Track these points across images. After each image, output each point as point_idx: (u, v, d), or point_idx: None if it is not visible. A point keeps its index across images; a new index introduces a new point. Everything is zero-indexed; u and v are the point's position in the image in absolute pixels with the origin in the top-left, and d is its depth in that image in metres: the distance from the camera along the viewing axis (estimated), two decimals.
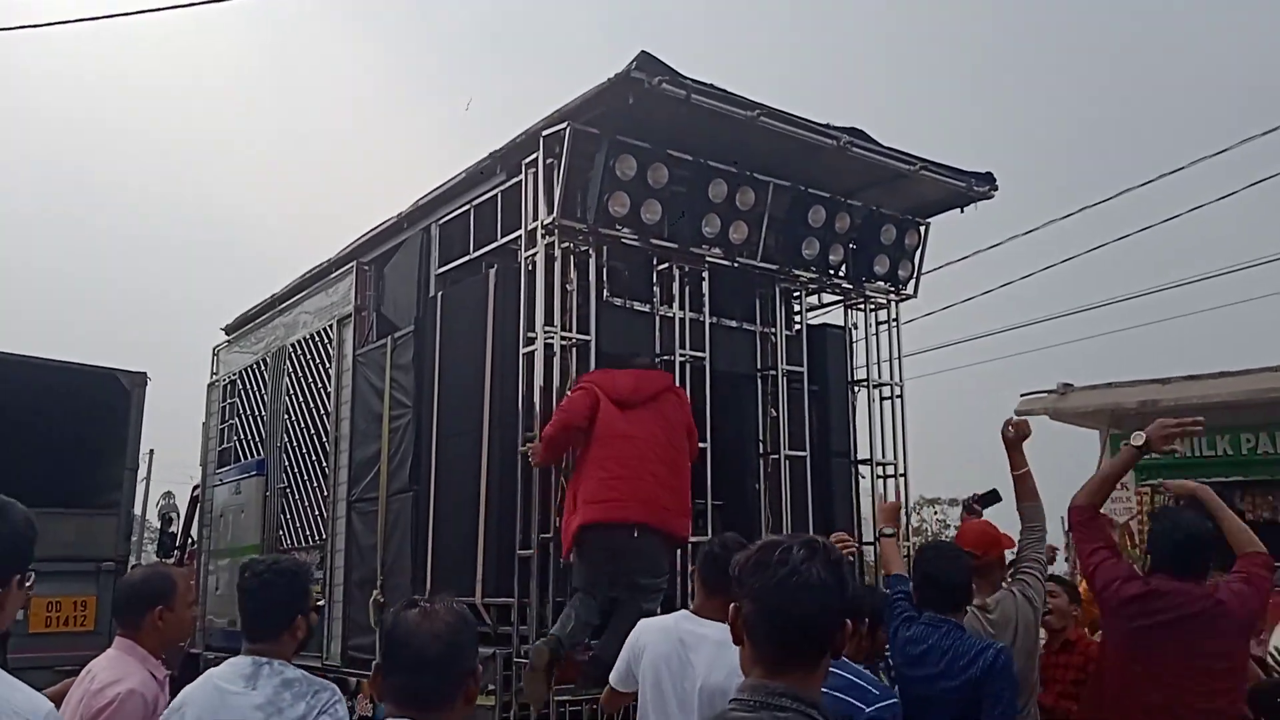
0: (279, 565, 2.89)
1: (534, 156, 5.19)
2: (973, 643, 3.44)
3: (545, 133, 5.11)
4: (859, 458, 6.38)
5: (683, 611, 3.35)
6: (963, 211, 6.22)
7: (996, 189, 6.06)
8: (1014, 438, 4.14)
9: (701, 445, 5.39)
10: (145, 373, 8.90)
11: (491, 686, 4.77)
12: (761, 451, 6.01)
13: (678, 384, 5.26)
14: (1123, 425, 11.93)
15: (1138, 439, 3.77)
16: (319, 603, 4.82)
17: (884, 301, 6.47)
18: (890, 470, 6.30)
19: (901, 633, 3.59)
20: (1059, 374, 13.61)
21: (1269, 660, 4.66)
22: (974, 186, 6.00)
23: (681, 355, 5.48)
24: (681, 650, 3.05)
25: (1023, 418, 4.34)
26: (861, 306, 6.51)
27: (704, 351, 5.58)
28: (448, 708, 1.84)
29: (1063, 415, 13.15)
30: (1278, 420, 11.55)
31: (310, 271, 7.64)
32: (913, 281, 6.38)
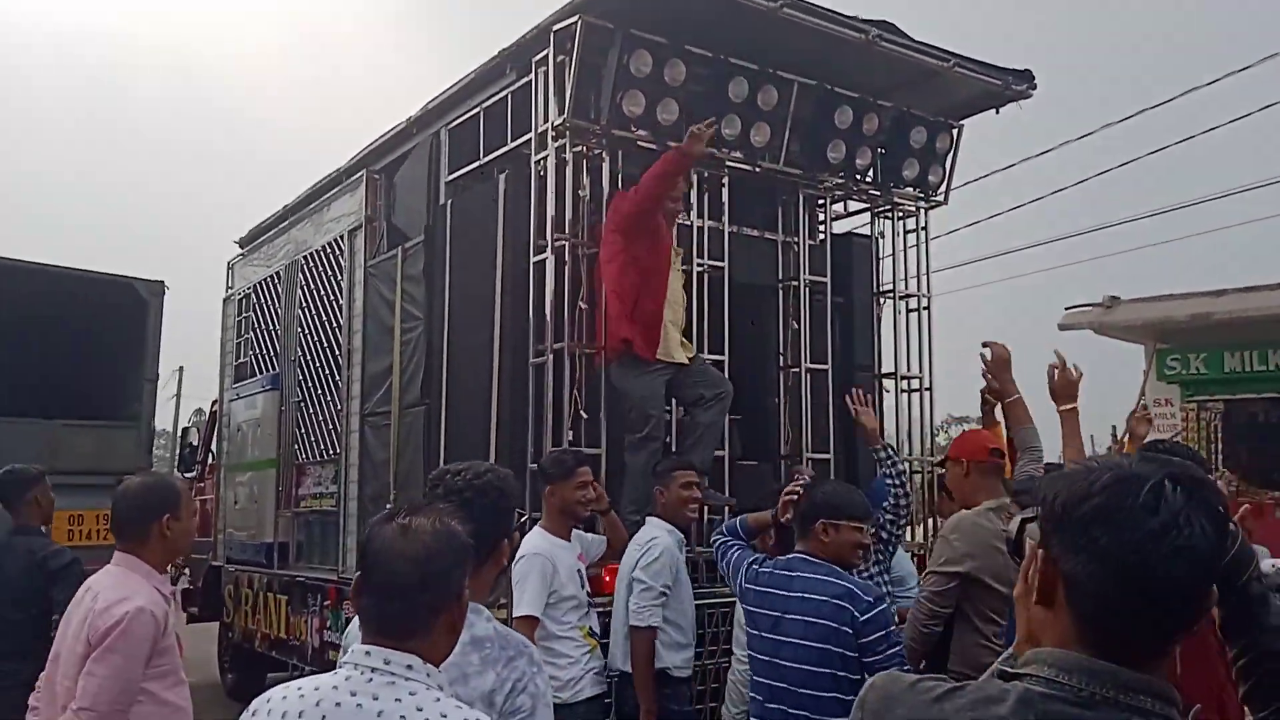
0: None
1: (545, 54, 4.92)
2: None
3: (556, 27, 4.83)
4: (883, 371, 6.18)
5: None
6: (998, 112, 5.88)
7: (1035, 88, 5.71)
8: (993, 362, 3.80)
9: (719, 358, 5.24)
10: (163, 281, 8.74)
11: (504, 601, 4.70)
12: (782, 365, 5.82)
13: (694, 294, 5.14)
14: (1171, 340, 11.50)
15: None
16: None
17: (913, 209, 6.17)
18: (915, 385, 6.10)
19: None
20: (1105, 287, 13.16)
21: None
22: (1011, 85, 5.65)
23: (699, 265, 5.28)
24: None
25: (999, 342, 3.89)
26: (889, 214, 6.23)
27: (723, 261, 5.38)
28: (421, 636, 1.65)
29: (1108, 330, 12.69)
30: None
31: (320, 182, 7.44)
32: (944, 187, 6.08)
